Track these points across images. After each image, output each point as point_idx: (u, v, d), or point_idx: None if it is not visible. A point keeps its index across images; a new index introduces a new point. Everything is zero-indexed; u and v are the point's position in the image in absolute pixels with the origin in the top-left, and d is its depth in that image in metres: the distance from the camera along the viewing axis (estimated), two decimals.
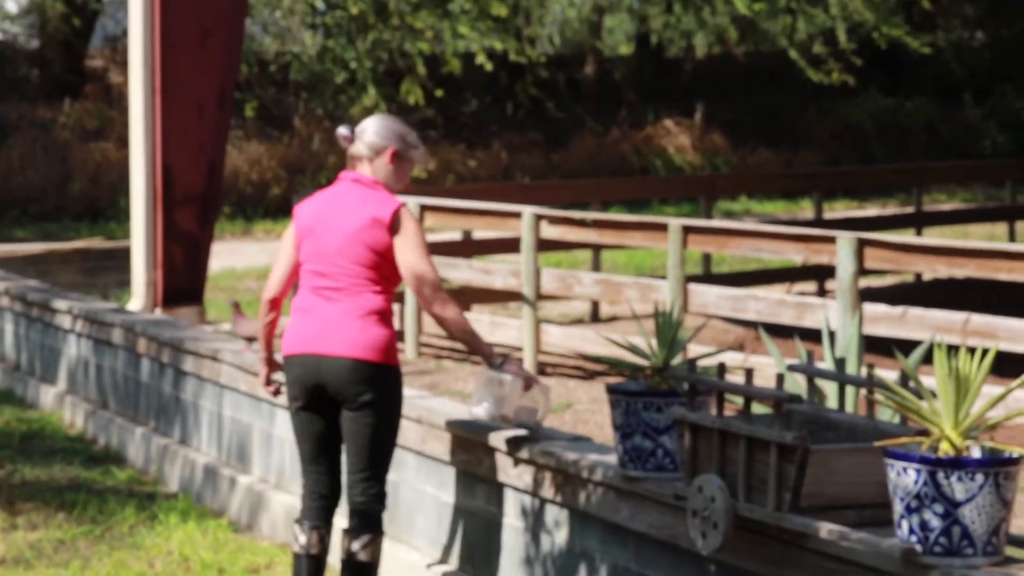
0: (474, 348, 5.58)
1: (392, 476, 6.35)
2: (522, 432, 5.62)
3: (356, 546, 5.59)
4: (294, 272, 5.69)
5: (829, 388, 5.14)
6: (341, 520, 5.87)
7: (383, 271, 5.53)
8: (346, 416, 5.53)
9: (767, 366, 9.24)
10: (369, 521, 5.60)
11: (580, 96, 27.96)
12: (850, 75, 24.49)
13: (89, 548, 7.08)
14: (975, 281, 12.79)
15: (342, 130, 5.69)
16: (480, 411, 5.57)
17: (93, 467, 8.80)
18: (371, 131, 5.64)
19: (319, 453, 5.65)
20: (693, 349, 9.74)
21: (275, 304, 5.74)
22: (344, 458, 5.69)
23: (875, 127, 27.69)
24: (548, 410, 5.67)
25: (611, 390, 4.94)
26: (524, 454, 5.48)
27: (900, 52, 26.22)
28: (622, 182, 20.24)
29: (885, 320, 9.28)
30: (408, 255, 5.50)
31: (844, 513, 4.23)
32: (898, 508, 3.91)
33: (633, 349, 5.02)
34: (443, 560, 6.08)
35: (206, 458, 8.11)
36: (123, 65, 24.04)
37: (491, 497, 5.77)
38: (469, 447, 5.84)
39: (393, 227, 5.51)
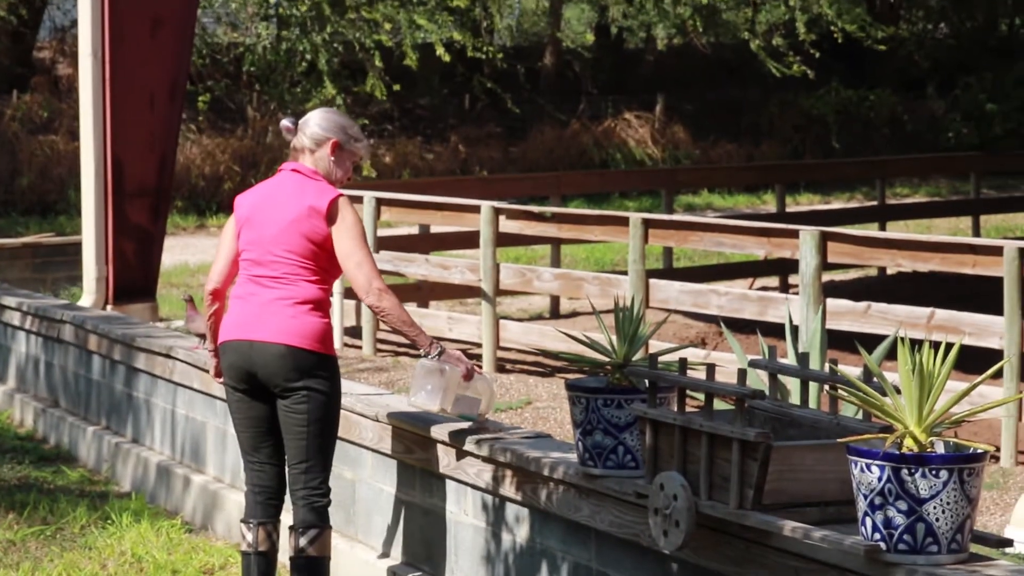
0: (413, 338, 5.58)
1: (349, 474, 6.28)
2: (483, 432, 5.55)
3: (303, 542, 5.55)
4: (235, 263, 5.69)
5: (792, 384, 5.07)
6: (288, 518, 5.79)
7: (320, 261, 5.54)
8: (281, 406, 5.54)
9: (729, 362, 9.18)
10: (315, 515, 5.56)
11: (539, 88, 27.89)
12: (810, 68, 24.48)
13: (40, 549, 6.98)
14: (939, 275, 12.78)
15: (285, 122, 5.73)
16: (418, 401, 5.57)
17: (44, 467, 8.68)
18: (313, 123, 5.67)
19: (259, 441, 5.64)
20: (654, 345, 9.68)
21: (217, 295, 5.75)
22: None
23: (838, 120, 27.73)
24: (492, 402, 5.66)
25: (571, 387, 4.87)
26: (484, 452, 5.41)
27: (862, 44, 26.25)
28: (582, 175, 20.21)
29: (848, 315, 9.24)
30: (345, 245, 5.50)
31: (807, 511, 4.18)
32: (862, 505, 3.87)
33: (593, 345, 4.95)
34: (401, 559, 6.00)
35: (159, 457, 8.01)
36: (72, 56, 23.85)
37: (450, 495, 5.70)
38: (427, 445, 5.76)
39: (331, 217, 5.52)
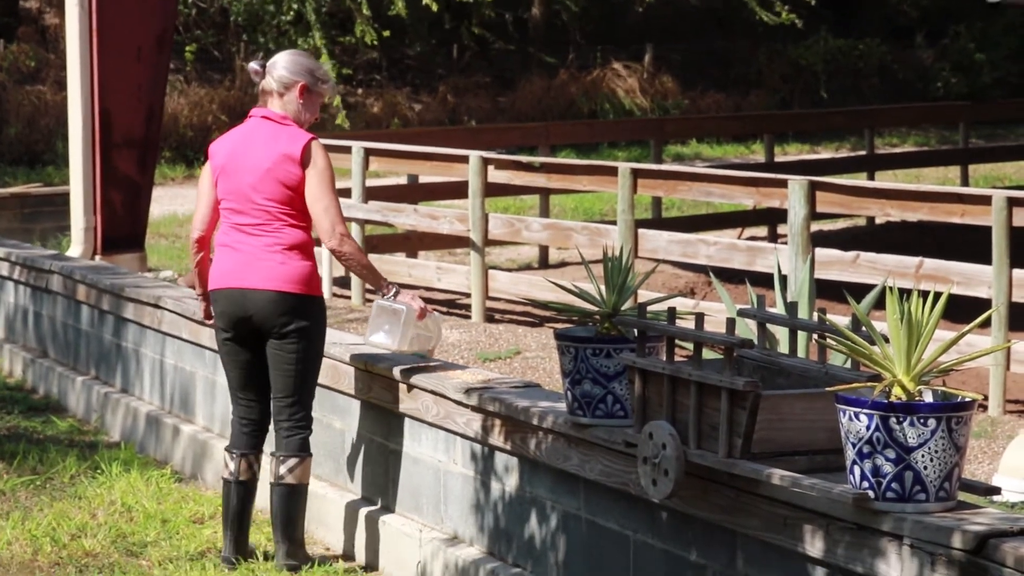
0: (371, 281, 5.87)
1: (338, 424, 6.29)
2: (474, 382, 5.57)
3: (283, 470, 5.85)
4: (215, 209, 5.91)
5: (780, 333, 5.08)
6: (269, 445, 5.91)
7: (297, 204, 5.77)
8: (271, 344, 5.81)
9: (718, 311, 9.19)
10: (295, 444, 5.85)
11: (527, 37, 27.76)
12: (798, 16, 24.35)
13: (30, 498, 6.98)
14: (928, 225, 12.78)
15: (253, 64, 5.91)
16: (376, 340, 5.88)
17: (33, 416, 8.68)
18: (281, 66, 5.86)
19: (247, 380, 5.93)
20: (643, 294, 9.68)
21: (203, 243, 5.98)
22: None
23: (827, 69, 27.64)
24: (439, 338, 6.00)
25: (560, 336, 4.88)
26: (473, 401, 5.41)
27: None
28: (570, 126, 20.14)
29: (837, 264, 9.25)
30: (314, 189, 5.74)
31: (796, 459, 4.19)
32: (850, 454, 3.88)
33: (582, 295, 4.95)
34: (391, 509, 6.01)
35: (148, 407, 8.00)
36: (59, 6, 23.66)
37: (439, 444, 5.71)
38: (416, 395, 5.77)
39: (304, 161, 5.75)
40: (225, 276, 5.80)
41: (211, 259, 5.97)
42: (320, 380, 6.33)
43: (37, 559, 6.12)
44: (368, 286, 12.16)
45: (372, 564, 6.02)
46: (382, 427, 6.05)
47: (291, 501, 5.85)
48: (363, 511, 6.09)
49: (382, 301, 5.86)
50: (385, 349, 5.91)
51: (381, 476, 6.07)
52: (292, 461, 5.84)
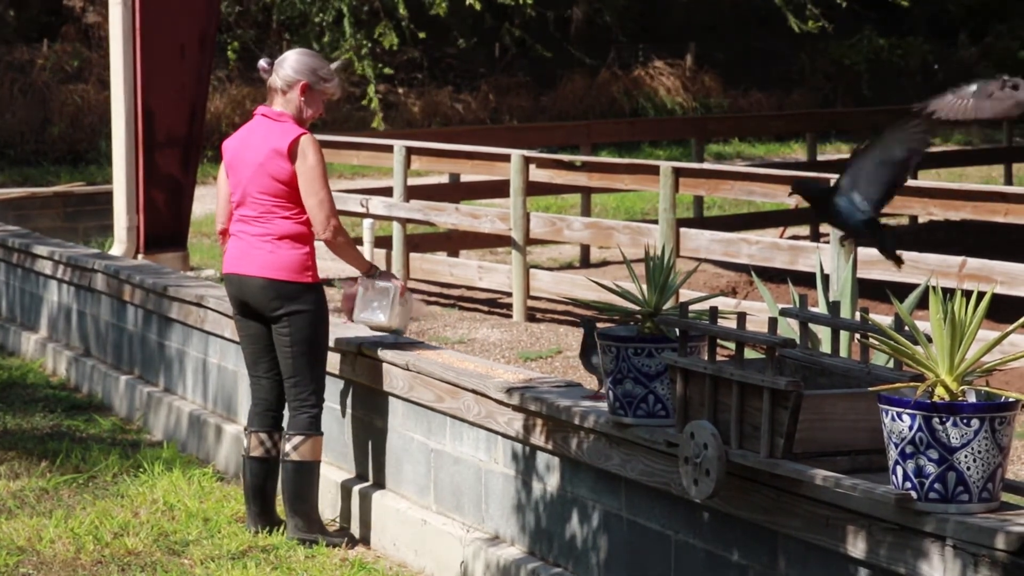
0: (359, 266, 6.30)
1: (378, 423, 6.30)
2: (516, 381, 5.57)
3: (288, 447, 6.20)
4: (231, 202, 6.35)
5: (823, 333, 5.06)
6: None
7: (292, 198, 6.12)
8: (272, 328, 6.21)
9: (760, 311, 9.16)
10: (301, 423, 6.19)
11: (568, 36, 27.74)
12: (833, 20, 24.14)
13: (72, 497, 7.02)
14: (971, 224, 12.71)
15: (262, 62, 6.30)
16: (367, 317, 6.26)
17: (76, 415, 8.72)
18: (287, 65, 6.24)
19: (257, 356, 6.32)
20: (684, 294, 9.66)
21: (225, 235, 6.41)
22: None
23: (869, 68, 27.52)
24: (416, 316, 6.29)
25: (601, 336, 4.87)
26: (515, 401, 5.41)
27: None
28: (612, 124, 20.13)
29: (880, 264, 9.20)
30: (306, 184, 6.08)
31: (838, 460, 4.18)
32: (892, 454, 3.86)
33: (624, 294, 4.94)
34: (431, 508, 6.02)
35: (191, 406, 8.03)
36: (102, 5, 23.81)
37: (480, 444, 5.71)
38: (456, 394, 5.77)
39: (292, 156, 6.08)
40: (229, 262, 6.29)
41: None
42: (362, 380, 6.35)
43: (80, 557, 6.16)
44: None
45: (411, 563, 6.02)
46: (423, 426, 6.06)
47: (296, 477, 6.16)
48: (405, 509, 6.10)
49: (368, 280, 6.25)
50: (377, 326, 6.29)
51: (422, 475, 6.08)
52: (297, 439, 6.16)
